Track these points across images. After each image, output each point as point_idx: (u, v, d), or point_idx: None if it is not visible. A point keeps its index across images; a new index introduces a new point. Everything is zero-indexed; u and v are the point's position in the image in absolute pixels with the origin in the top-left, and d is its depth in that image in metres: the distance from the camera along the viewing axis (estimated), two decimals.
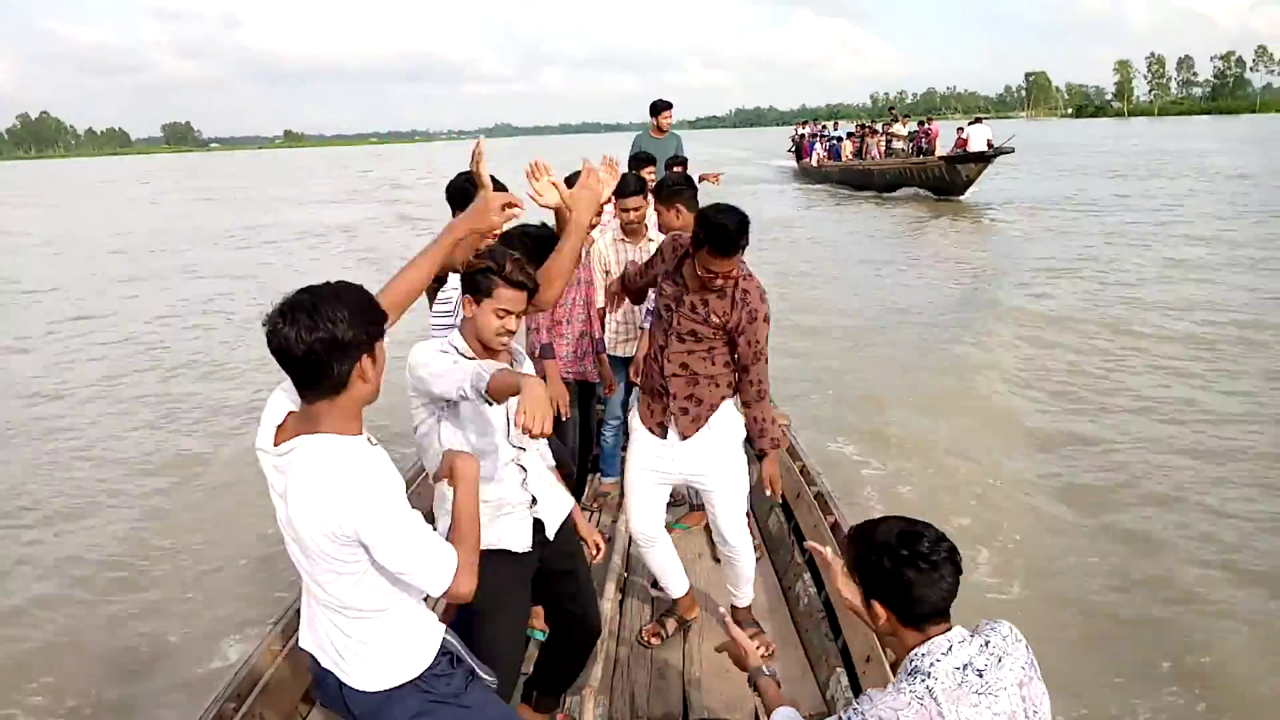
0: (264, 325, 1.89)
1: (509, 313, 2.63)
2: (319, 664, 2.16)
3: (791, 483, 4.80)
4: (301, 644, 2.21)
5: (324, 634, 2.11)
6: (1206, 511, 6.10)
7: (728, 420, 3.55)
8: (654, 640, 3.82)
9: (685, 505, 5.07)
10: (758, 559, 4.41)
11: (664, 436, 3.57)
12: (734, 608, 3.77)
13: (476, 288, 2.63)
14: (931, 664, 1.87)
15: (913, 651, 1.92)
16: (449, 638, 2.22)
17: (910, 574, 1.91)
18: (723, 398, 3.52)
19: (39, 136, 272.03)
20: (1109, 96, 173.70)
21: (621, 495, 4.69)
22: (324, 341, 1.85)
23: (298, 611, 3.32)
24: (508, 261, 2.61)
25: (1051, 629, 4.73)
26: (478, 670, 2.26)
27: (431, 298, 3.22)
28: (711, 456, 3.56)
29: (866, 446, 7.53)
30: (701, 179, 6.24)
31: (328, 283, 1.95)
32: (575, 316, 4.45)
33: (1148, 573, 5.38)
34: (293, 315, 1.86)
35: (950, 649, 1.88)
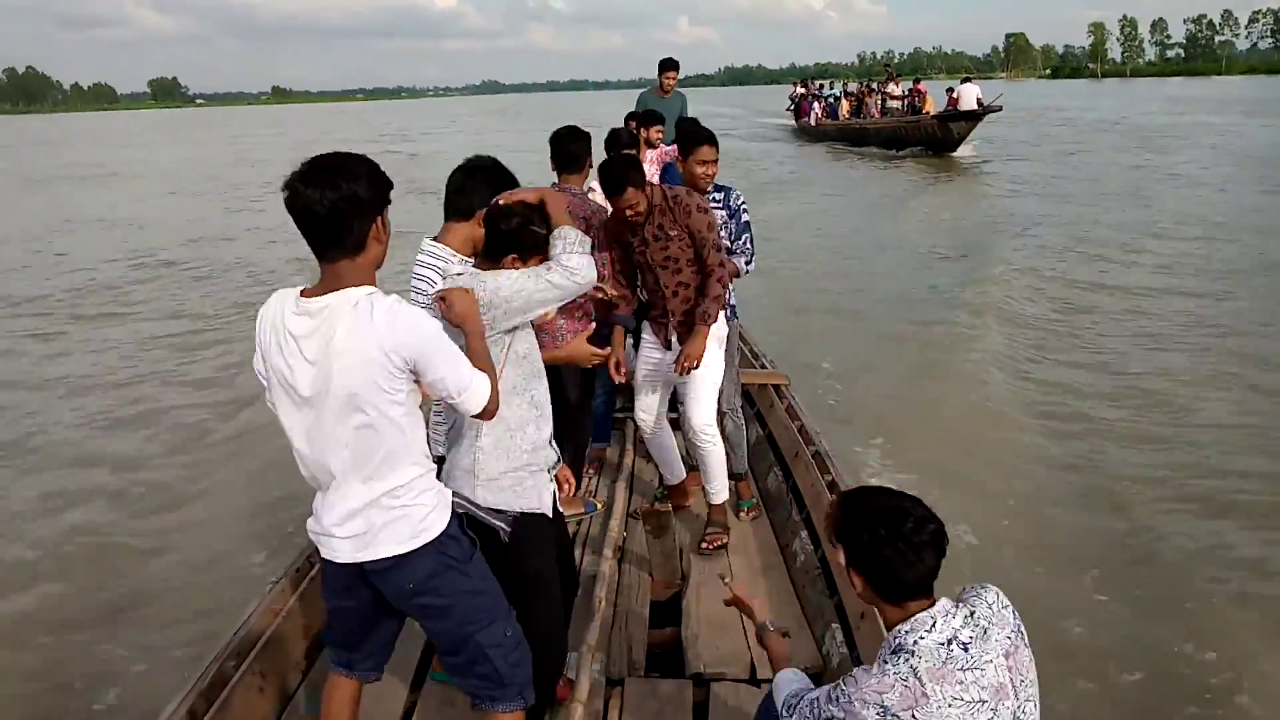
0: (283, 190, 2.02)
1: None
2: (341, 565, 2.28)
3: (790, 442, 4.83)
4: (324, 554, 2.31)
5: (353, 512, 2.20)
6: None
7: (714, 330, 3.94)
8: (649, 508, 4.07)
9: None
10: (755, 518, 4.51)
11: (669, 348, 4.05)
12: (710, 506, 4.25)
13: (535, 245, 2.68)
14: (915, 641, 1.86)
15: (897, 627, 1.91)
16: (458, 499, 2.40)
17: (888, 552, 1.90)
18: None
19: (26, 92, 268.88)
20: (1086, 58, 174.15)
21: (620, 458, 5.01)
22: (346, 200, 2.01)
23: (298, 570, 3.33)
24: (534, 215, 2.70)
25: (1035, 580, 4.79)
26: (492, 522, 2.49)
27: None
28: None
29: (864, 406, 7.53)
30: None
31: (342, 151, 2.11)
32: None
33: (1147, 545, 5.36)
34: (314, 176, 2.00)
35: (934, 625, 1.87)
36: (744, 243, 4.33)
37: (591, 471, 5.05)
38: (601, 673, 3.29)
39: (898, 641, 1.89)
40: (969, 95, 24.81)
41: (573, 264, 2.62)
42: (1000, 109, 24.40)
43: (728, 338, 4.32)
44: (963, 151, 25.83)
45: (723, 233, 4.25)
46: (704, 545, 4.11)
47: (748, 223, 4.35)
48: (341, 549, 2.24)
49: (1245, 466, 6.15)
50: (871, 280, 12.13)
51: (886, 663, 1.88)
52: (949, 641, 1.85)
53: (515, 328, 2.63)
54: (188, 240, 17.14)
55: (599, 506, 4.56)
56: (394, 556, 2.21)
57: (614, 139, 4.75)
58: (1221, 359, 8.34)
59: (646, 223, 3.79)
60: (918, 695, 1.82)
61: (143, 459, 7.05)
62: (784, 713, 2.16)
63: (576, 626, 3.48)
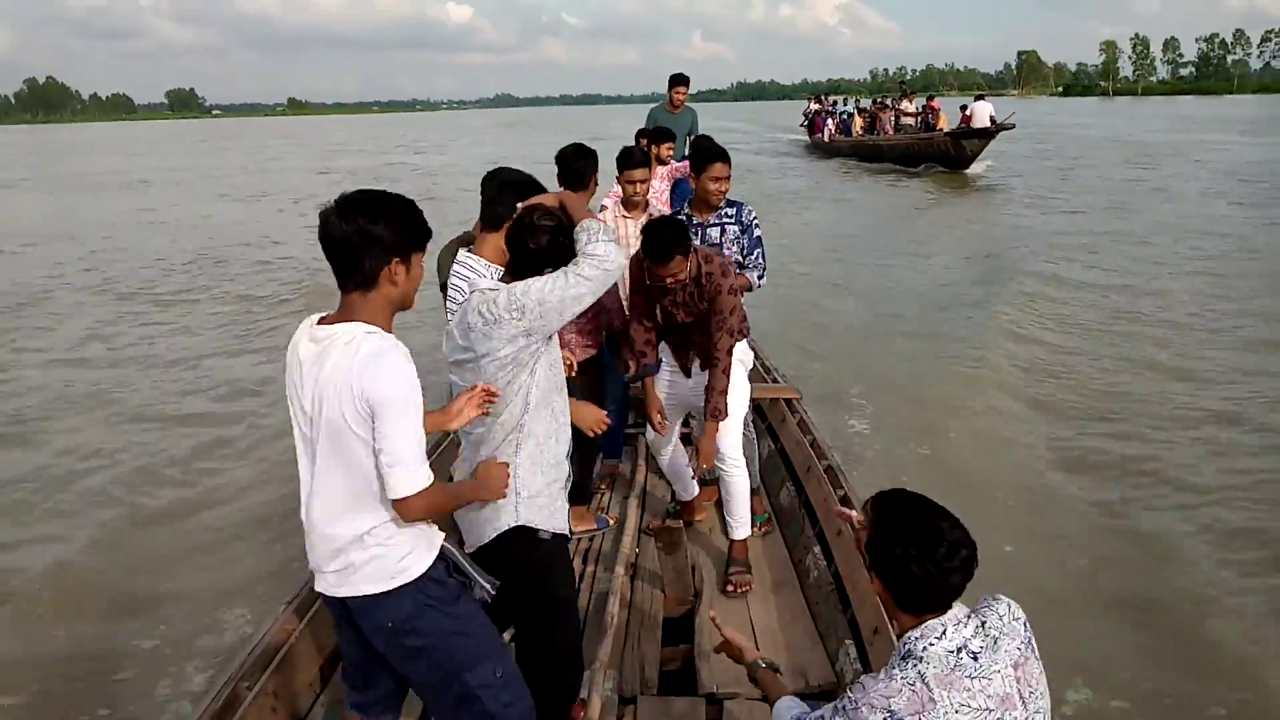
0: (319, 213, 2.10)
1: None
2: (330, 600, 2.29)
3: (802, 457, 4.80)
4: (317, 587, 2.32)
5: (337, 550, 2.21)
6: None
7: (736, 353, 3.97)
8: (661, 525, 4.21)
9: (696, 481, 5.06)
10: (767, 533, 4.49)
11: (689, 376, 4.07)
12: (731, 542, 4.09)
13: (568, 254, 2.65)
14: (925, 647, 1.85)
15: (907, 634, 1.90)
16: (448, 545, 2.35)
17: (915, 570, 1.87)
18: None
19: (46, 101, 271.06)
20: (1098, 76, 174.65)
21: (632, 474, 4.99)
22: (360, 234, 2.06)
23: (311, 589, 3.29)
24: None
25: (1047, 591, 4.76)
26: (478, 580, 2.38)
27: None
28: None
29: (875, 417, 7.53)
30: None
31: (383, 190, 2.15)
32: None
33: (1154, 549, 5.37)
34: (343, 207, 2.07)
35: (944, 632, 1.86)
36: (756, 257, 4.34)
37: (604, 487, 5.04)
38: (614, 691, 3.26)
39: (907, 648, 1.88)
40: (982, 113, 24.83)
41: (599, 252, 2.57)
42: (1013, 126, 24.44)
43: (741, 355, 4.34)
44: (975, 169, 25.75)
45: (734, 248, 4.30)
46: (729, 589, 3.96)
47: (759, 238, 4.36)
48: (328, 584, 2.26)
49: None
50: (884, 294, 12.15)
51: (895, 668, 1.87)
52: (959, 650, 1.85)
53: (550, 336, 2.61)
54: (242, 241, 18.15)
55: (610, 523, 4.55)
56: (372, 595, 2.22)
57: (626, 156, 4.73)
58: None
59: (680, 288, 3.76)
60: (924, 700, 1.81)
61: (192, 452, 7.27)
62: None
63: (589, 644, 3.47)
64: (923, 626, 1.88)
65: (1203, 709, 3.99)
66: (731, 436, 3.99)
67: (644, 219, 4.75)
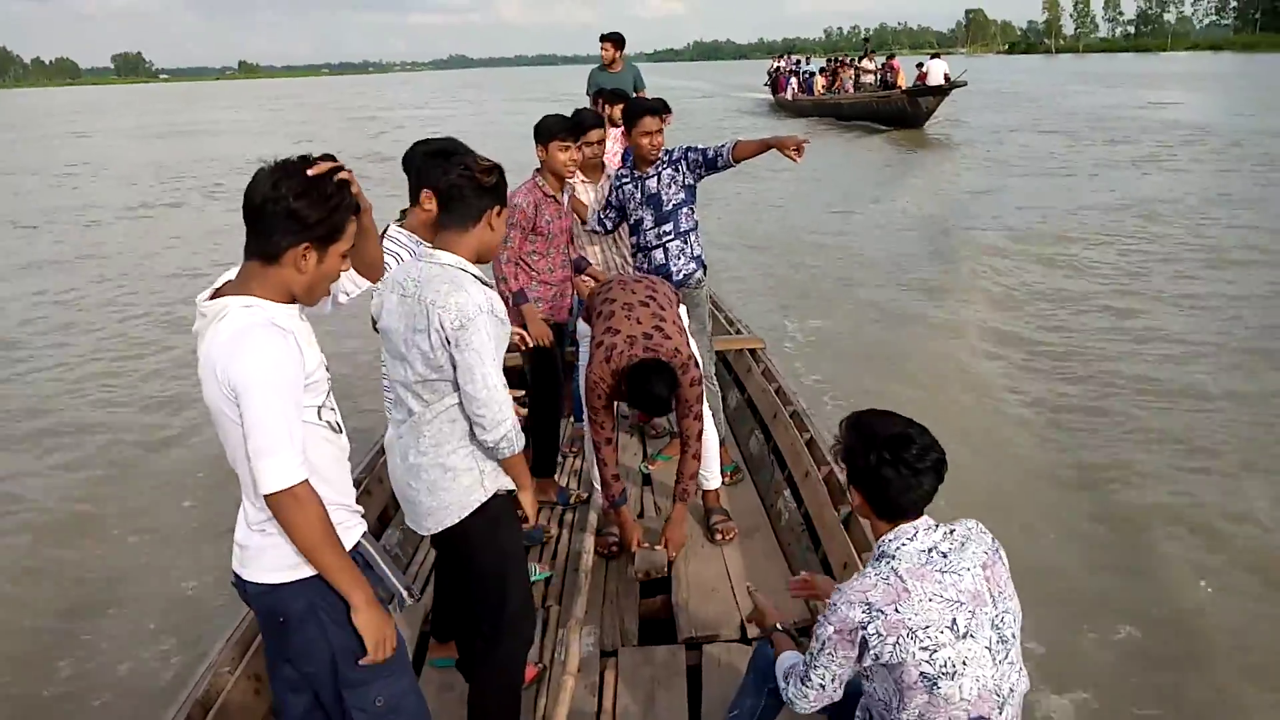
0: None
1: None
2: (236, 575, 2.08)
3: (768, 404, 4.85)
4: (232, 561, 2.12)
5: (246, 529, 2.03)
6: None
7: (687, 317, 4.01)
8: (613, 550, 3.91)
9: (667, 435, 5.08)
10: (738, 481, 4.52)
11: None
12: (704, 493, 4.08)
13: (496, 196, 2.52)
14: (897, 548, 2.01)
15: (881, 538, 2.04)
16: (366, 543, 2.11)
17: (889, 474, 2.00)
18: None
19: None
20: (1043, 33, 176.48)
21: None
22: (273, 202, 1.87)
23: (253, 622, 2.89)
24: (474, 163, 2.53)
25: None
26: (396, 588, 2.12)
27: None
28: None
29: (837, 365, 7.62)
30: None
31: (324, 159, 1.95)
32: (557, 264, 4.32)
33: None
34: (274, 168, 1.90)
35: (915, 535, 2.01)
36: (705, 151, 4.28)
37: (573, 451, 5.03)
38: (595, 645, 3.31)
39: (881, 550, 2.04)
40: (937, 71, 25.33)
41: (491, 437, 2.46)
42: (965, 84, 24.86)
43: (699, 302, 4.39)
44: (930, 126, 26.14)
45: (674, 187, 4.31)
46: (717, 538, 3.98)
47: (689, 146, 4.34)
48: (235, 558, 2.08)
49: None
50: (845, 246, 12.26)
51: (869, 567, 2.03)
52: (929, 550, 2.00)
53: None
54: None
55: (571, 499, 4.46)
56: (266, 584, 2.01)
57: (578, 121, 4.61)
58: None
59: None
60: (899, 591, 1.95)
61: None
62: (787, 683, 2.21)
63: (565, 602, 3.50)
64: (895, 530, 2.02)
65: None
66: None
67: (604, 181, 4.71)
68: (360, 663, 2.04)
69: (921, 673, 1.93)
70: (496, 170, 2.53)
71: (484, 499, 2.55)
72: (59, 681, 4.15)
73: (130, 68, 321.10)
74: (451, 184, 2.49)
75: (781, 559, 3.87)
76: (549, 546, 4.09)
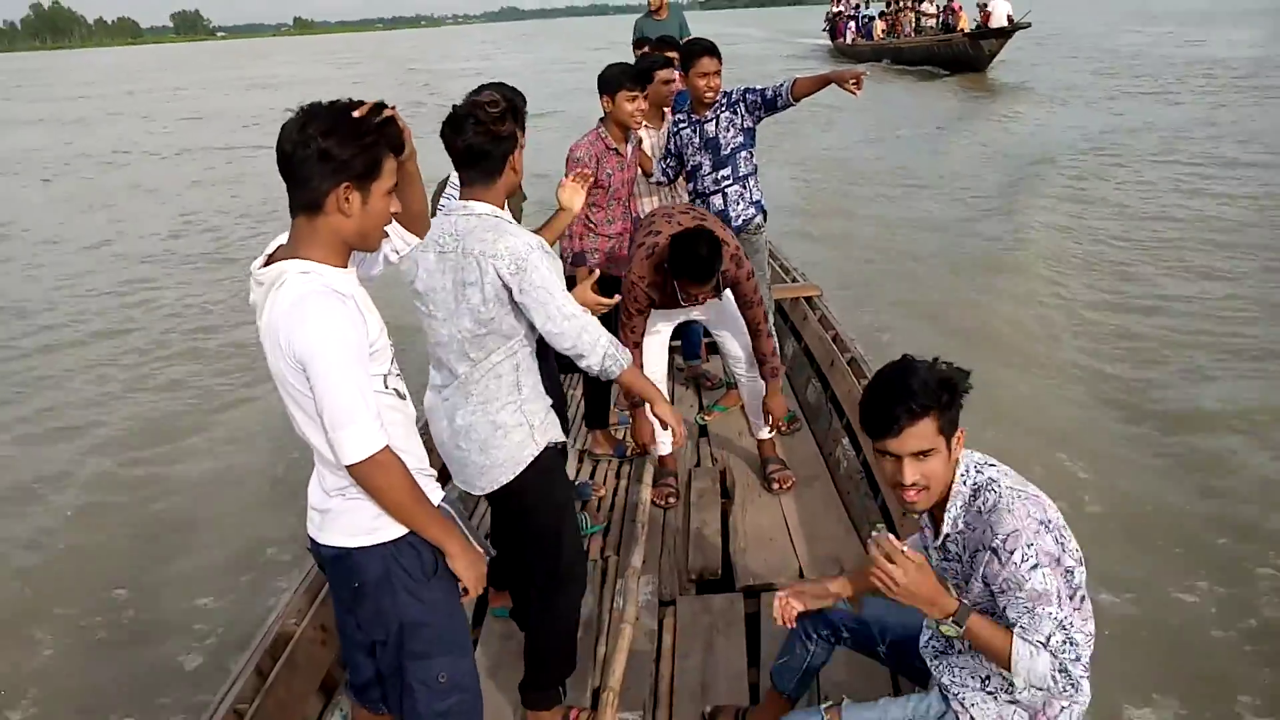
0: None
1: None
2: (313, 540, 2.07)
3: (825, 352, 4.79)
4: (307, 526, 2.11)
5: (324, 493, 2.01)
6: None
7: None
8: (669, 501, 3.94)
9: (722, 387, 5.05)
10: (797, 429, 4.49)
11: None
12: (759, 442, 4.11)
13: (514, 139, 2.47)
14: (986, 462, 1.98)
15: (961, 474, 1.96)
16: (447, 507, 2.08)
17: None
18: None
19: (54, 26, 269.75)
20: None
21: None
22: (307, 146, 1.78)
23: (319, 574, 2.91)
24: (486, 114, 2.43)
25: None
26: (476, 543, 2.10)
27: None
28: (723, 303, 3.86)
29: (898, 318, 7.46)
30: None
31: (350, 101, 1.85)
32: (616, 216, 4.28)
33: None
34: (301, 115, 1.81)
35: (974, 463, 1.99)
36: (764, 91, 4.21)
37: (625, 405, 4.99)
38: (654, 594, 3.33)
39: (976, 483, 1.94)
40: (1000, 12, 24.30)
41: (607, 361, 2.47)
42: (1029, 25, 24.06)
43: (758, 248, 4.36)
44: (993, 69, 25.21)
45: (731, 131, 4.25)
46: (775, 486, 3.96)
47: (751, 87, 4.27)
48: (312, 523, 2.07)
49: None
50: (906, 195, 12.00)
51: (987, 493, 1.91)
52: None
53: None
54: None
55: (628, 451, 4.45)
56: (342, 547, 1.99)
57: (645, 67, 4.46)
58: None
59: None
60: (1033, 494, 1.91)
61: None
62: (1057, 677, 1.84)
63: (623, 553, 3.52)
64: (974, 465, 1.96)
65: None
66: (743, 342, 3.92)
67: (666, 124, 4.60)
68: (463, 598, 2.09)
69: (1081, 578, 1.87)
70: (507, 111, 2.46)
71: (536, 453, 2.54)
72: (128, 624, 4.32)
73: (189, 25, 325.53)
74: (469, 144, 2.42)
75: (840, 507, 3.84)
76: (605, 499, 4.10)
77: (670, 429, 2.64)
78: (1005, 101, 20.63)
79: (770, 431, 4.06)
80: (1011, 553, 1.81)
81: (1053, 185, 11.65)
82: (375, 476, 1.86)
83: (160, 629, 4.25)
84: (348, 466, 1.84)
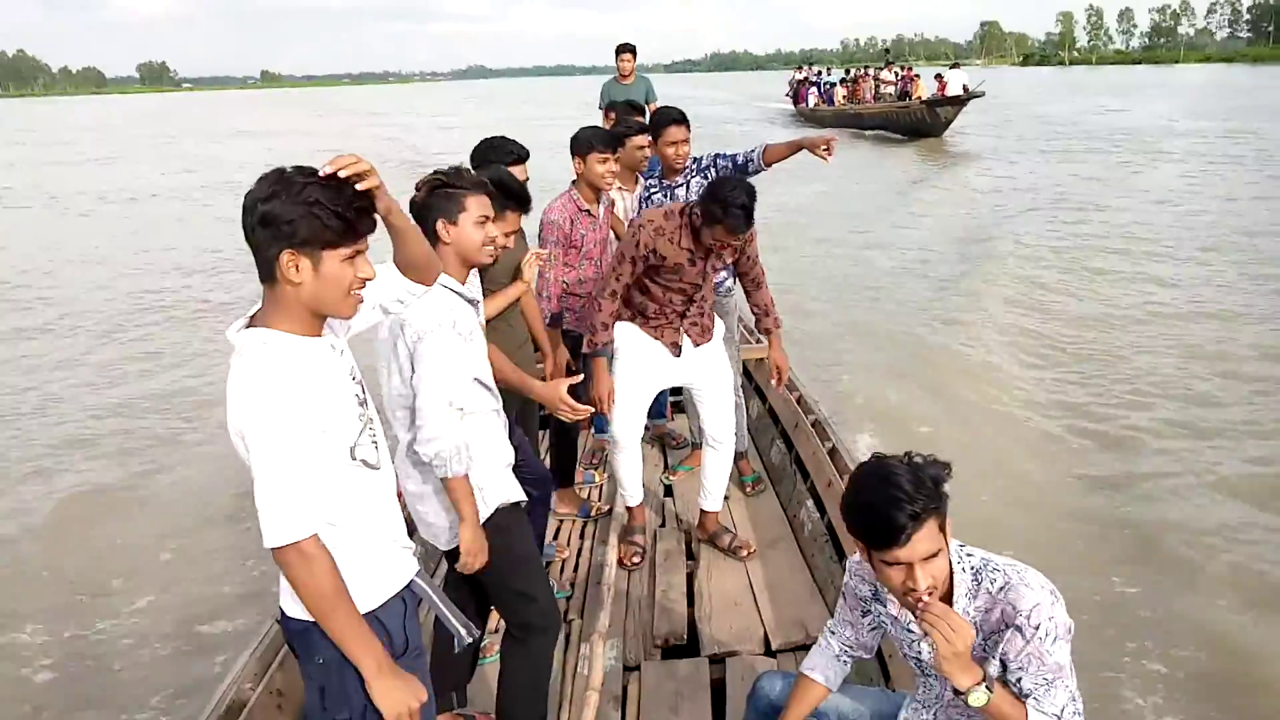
0: None
1: (487, 219, 2.56)
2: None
3: (790, 414, 4.81)
4: None
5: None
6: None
7: (718, 325, 3.89)
8: (633, 561, 3.89)
9: (688, 446, 5.03)
10: (762, 491, 4.49)
11: (678, 354, 3.74)
12: (703, 513, 4.00)
13: (448, 209, 2.52)
14: (986, 561, 1.95)
15: (961, 562, 1.95)
16: (420, 582, 1.99)
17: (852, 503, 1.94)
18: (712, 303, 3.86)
19: (17, 74, 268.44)
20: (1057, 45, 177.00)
21: None
22: (249, 213, 1.71)
23: (275, 636, 2.90)
24: (459, 171, 2.57)
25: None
26: (451, 623, 2.05)
27: None
28: (711, 360, 3.82)
29: (859, 376, 7.59)
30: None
31: (309, 169, 1.73)
32: (589, 276, 4.24)
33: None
34: (260, 178, 1.73)
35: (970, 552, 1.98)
36: (735, 157, 4.26)
37: (592, 464, 4.97)
38: (618, 659, 3.28)
39: (975, 567, 1.93)
40: (956, 81, 25.88)
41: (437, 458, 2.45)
42: (983, 94, 25.10)
43: (728, 311, 4.44)
44: (948, 136, 26.25)
45: (713, 172, 4.26)
46: (741, 553, 3.91)
47: (718, 154, 4.32)
48: (284, 592, 1.93)
49: None
50: (866, 257, 12.26)
51: (1006, 577, 1.89)
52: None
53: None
54: None
55: (592, 511, 4.42)
56: (308, 620, 1.86)
57: (618, 133, 4.49)
58: None
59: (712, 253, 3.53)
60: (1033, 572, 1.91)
61: None
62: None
63: (588, 617, 3.47)
64: (961, 551, 1.94)
65: None
66: (726, 410, 3.88)
67: (638, 190, 4.60)
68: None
69: None
70: (427, 183, 2.54)
71: (487, 514, 2.57)
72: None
73: (155, 76, 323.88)
74: (413, 205, 2.51)
75: (805, 570, 3.82)
76: (569, 560, 4.05)
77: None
78: (961, 163, 21.36)
79: (711, 504, 3.98)
80: (1036, 627, 1.82)
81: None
82: (293, 565, 1.74)
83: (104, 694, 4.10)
84: (270, 550, 1.74)
